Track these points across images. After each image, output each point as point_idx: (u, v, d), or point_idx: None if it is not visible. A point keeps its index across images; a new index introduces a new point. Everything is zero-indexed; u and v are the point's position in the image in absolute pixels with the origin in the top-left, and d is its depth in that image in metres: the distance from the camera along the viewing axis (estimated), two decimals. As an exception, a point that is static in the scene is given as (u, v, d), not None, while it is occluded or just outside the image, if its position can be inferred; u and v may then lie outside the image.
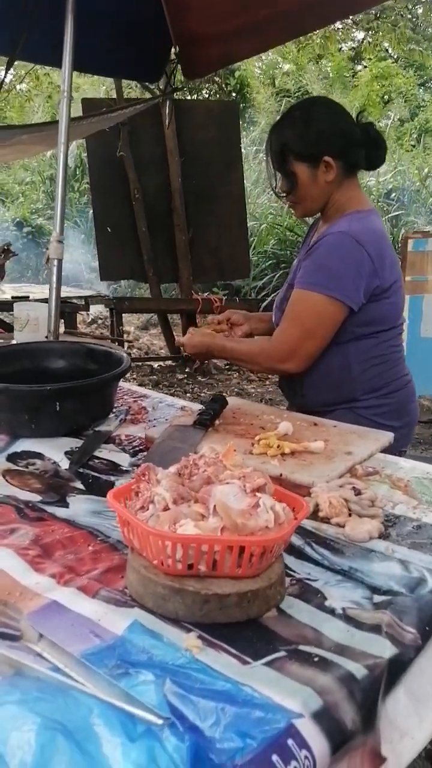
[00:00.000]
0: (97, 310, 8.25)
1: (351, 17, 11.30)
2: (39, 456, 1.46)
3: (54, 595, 0.92)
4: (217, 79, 11.74)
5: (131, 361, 1.73)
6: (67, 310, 5.58)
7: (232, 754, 0.65)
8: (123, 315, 6.60)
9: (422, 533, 1.14)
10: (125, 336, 7.36)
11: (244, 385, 6.22)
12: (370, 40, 13.52)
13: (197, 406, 1.76)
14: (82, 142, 7.67)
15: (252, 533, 0.87)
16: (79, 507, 1.22)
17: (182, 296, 6.75)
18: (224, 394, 1.73)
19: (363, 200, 1.85)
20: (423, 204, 10.20)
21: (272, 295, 7.25)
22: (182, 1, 3.24)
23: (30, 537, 1.09)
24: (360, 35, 13.77)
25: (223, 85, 12.26)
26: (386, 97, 13.38)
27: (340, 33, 13.33)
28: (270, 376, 5.75)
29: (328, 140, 1.77)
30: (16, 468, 1.40)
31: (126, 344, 6.95)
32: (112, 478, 1.35)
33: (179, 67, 3.69)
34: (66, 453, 1.46)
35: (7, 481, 1.34)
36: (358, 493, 1.21)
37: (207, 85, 12.03)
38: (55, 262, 2.48)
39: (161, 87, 4.82)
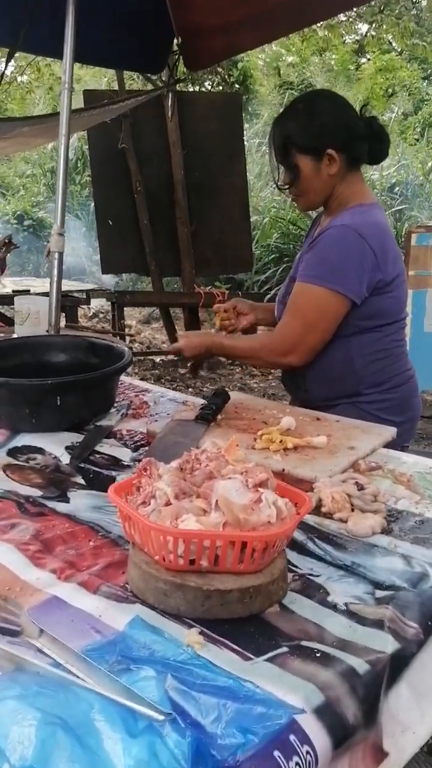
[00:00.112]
0: (98, 303, 8.24)
1: (355, 9, 11.23)
2: (40, 451, 1.46)
3: (55, 591, 0.92)
4: (219, 70, 11.67)
5: (133, 355, 1.73)
6: (68, 304, 5.57)
7: (233, 749, 0.65)
8: (125, 309, 6.58)
9: (425, 528, 1.14)
10: (127, 330, 7.36)
11: (247, 380, 6.21)
12: (374, 33, 13.45)
13: (199, 401, 1.75)
14: (84, 134, 7.64)
15: (254, 528, 0.87)
16: (80, 502, 1.22)
17: (184, 290, 6.73)
18: (226, 388, 1.72)
19: (366, 194, 1.84)
20: (426, 198, 10.16)
21: (275, 289, 7.22)
22: (185, -9, 3.23)
23: (30, 532, 1.09)
24: (364, 28, 13.70)
25: (226, 77, 12.20)
26: (390, 90, 13.32)
27: (344, 26, 13.25)
28: (273, 370, 5.75)
29: (332, 133, 1.76)
30: (17, 463, 1.40)
31: (128, 338, 6.95)
32: (114, 473, 1.35)
33: (181, 58, 3.67)
34: (67, 448, 1.46)
35: (7, 475, 1.33)
36: (360, 488, 1.21)
37: (210, 76, 11.97)
38: (56, 255, 2.47)
39: (163, 79, 4.80)
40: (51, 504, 1.21)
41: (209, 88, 12.19)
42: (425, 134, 12.12)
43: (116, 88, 6.35)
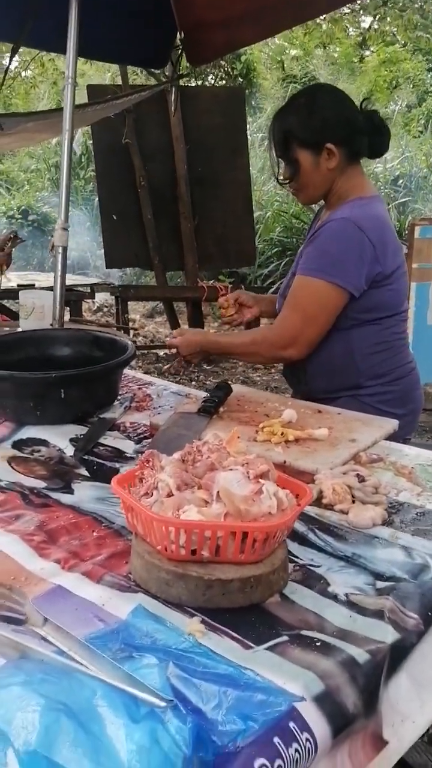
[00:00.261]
0: (102, 297, 8.24)
1: (358, 2, 11.17)
2: (44, 443, 1.47)
3: (59, 580, 0.93)
4: (222, 63, 11.62)
5: (136, 348, 1.74)
6: (73, 298, 5.57)
7: (234, 736, 0.66)
8: (128, 303, 6.59)
9: (426, 520, 1.15)
10: (131, 324, 7.36)
11: (249, 373, 6.21)
12: (377, 26, 13.37)
13: (202, 394, 1.76)
14: (88, 129, 7.63)
15: (255, 519, 0.88)
16: (84, 493, 1.23)
17: (188, 284, 6.73)
18: (229, 381, 1.73)
19: (366, 187, 1.85)
20: (430, 191, 10.12)
21: (278, 282, 7.22)
22: (188, -14, 3.22)
23: (35, 523, 1.10)
24: (368, 20, 13.62)
25: (229, 70, 12.15)
26: (394, 82, 13.25)
27: (348, 18, 13.17)
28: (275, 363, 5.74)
29: (332, 128, 1.76)
30: (22, 455, 1.41)
31: (131, 332, 6.95)
32: (117, 465, 1.36)
33: (184, 53, 3.66)
34: (71, 440, 1.47)
35: (12, 467, 1.34)
36: (361, 480, 1.22)
37: (213, 70, 11.91)
38: (60, 250, 2.48)
39: (166, 73, 4.80)
40: (55, 495, 1.22)
41: (212, 81, 12.15)
42: (429, 126, 12.05)
43: (120, 83, 6.34)
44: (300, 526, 1.11)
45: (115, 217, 6.44)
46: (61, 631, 0.81)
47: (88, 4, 2.54)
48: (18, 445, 1.47)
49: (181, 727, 0.64)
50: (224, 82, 12.05)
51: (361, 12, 12.54)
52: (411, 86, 13.02)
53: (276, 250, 9.00)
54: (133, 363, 1.72)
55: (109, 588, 0.92)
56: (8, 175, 12.66)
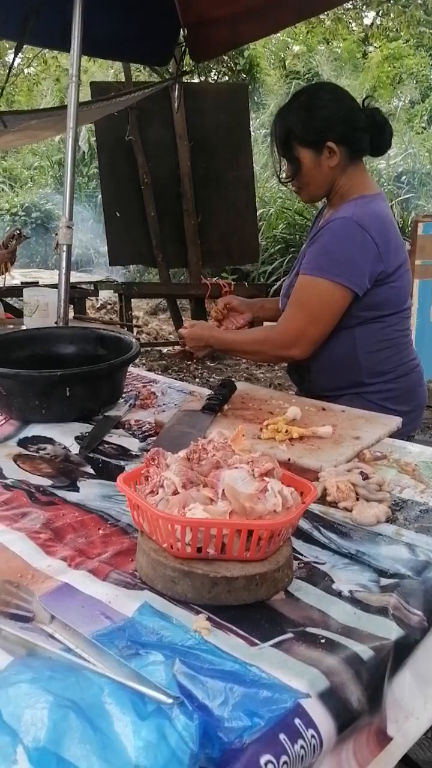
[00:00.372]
0: (106, 295, 8.25)
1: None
2: (49, 441, 1.48)
3: (65, 578, 0.94)
4: (225, 58, 11.59)
5: (140, 346, 1.74)
6: (76, 296, 5.58)
7: (240, 732, 0.67)
8: (132, 300, 6.60)
9: (429, 517, 1.15)
10: (134, 321, 7.36)
11: (253, 371, 6.22)
12: (379, 22, 13.33)
13: (206, 391, 1.77)
14: (91, 126, 7.63)
15: (260, 517, 0.88)
16: (90, 491, 1.24)
17: (191, 281, 6.74)
18: (233, 379, 1.73)
19: (368, 185, 1.84)
20: (434, 187, 10.10)
21: (282, 279, 7.22)
22: (191, -18, 3.22)
23: (41, 521, 1.11)
24: (371, 16, 13.57)
25: (232, 65, 12.13)
26: (397, 78, 13.21)
27: (351, 14, 13.14)
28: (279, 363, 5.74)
29: (333, 126, 1.76)
30: (27, 453, 1.42)
31: (135, 329, 6.96)
32: (122, 463, 1.37)
33: (187, 50, 3.66)
34: (76, 438, 1.48)
35: (18, 465, 1.35)
36: (365, 477, 1.22)
37: (215, 65, 11.91)
38: (65, 248, 2.48)
39: (170, 70, 4.79)
40: (61, 493, 1.23)
41: (215, 77, 12.13)
42: (433, 122, 12.02)
43: (123, 80, 6.34)
44: (304, 524, 1.11)
45: (118, 215, 6.45)
46: (68, 628, 0.82)
47: (91, 1, 2.54)
48: (23, 443, 1.47)
49: (188, 723, 0.65)
50: (227, 78, 12.03)
51: (364, 8, 12.50)
52: (414, 82, 12.97)
53: (279, 247, 8.99)
54: (136, 360, 1.72)
55: (115, 585, 0.93)
56: (12, 173, 12.67)
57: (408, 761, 1.57)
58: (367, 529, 1.11)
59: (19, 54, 3.59)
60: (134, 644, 0.78)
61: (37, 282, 5.74)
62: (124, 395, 1.73)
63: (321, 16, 11.35)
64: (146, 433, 1.53)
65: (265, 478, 0.93)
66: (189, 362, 6.20)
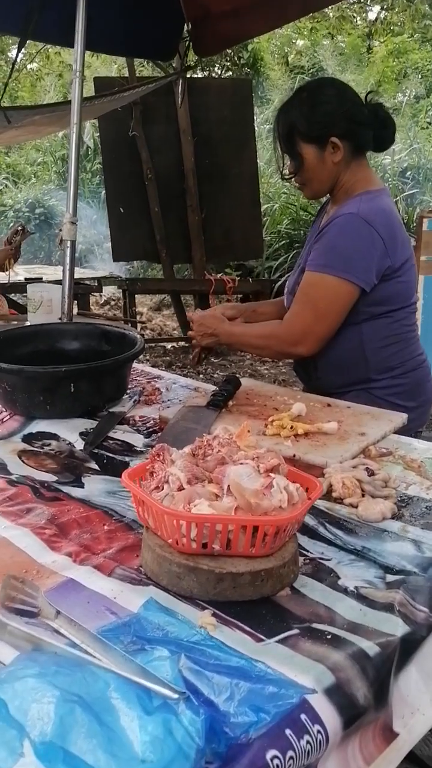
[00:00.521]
0: (109, 291, 8.25)
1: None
2: (54, 437, 1.48)
3: (70, 574, 0.94)
4: (229, 51, 11.54)
5: (144, 342, 1.74)
6: (80, 292, 5.58)
7: (246, 727, 0.67)
8: (136, 296, 6.59)
9: (435, 513, 1.15)
10: (138, 317, 7.36)
11: (258, 367, 6.21)
12: (384, 15, 13.28)
13: (211, 387, 1.77)
14: (95, 121, 7.62)
15: (265, 513, 0.88)
16: (94, 487, 1.24)
17: (195, 277, 6.73)
18: (237, 375, 1.73)
19: (372, 180, 1.84)
20: (439, 182, 10.06)
21: (286, 275, 7.21)
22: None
23: (46, 516, 1.11)
24: (376, 9, 13.53)
25: (236, 59, 12.08)
26: (402, 73, 13.15)
27: (355, 9, 13.11)
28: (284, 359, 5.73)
29: (336, 121, 1.75)
30: (32, 449, 1.42)
31: (139, 325, 6.95)
32: (127, 459, 1.37)
33: (191, 44, 3.66)
34: (81, 434, 1.48)
35: (23, 461, 1.35)
36: (371, 473, 1.22)
37: (219, 59, 11.87)
38: (68, 244, 2.48)
39: (174, 65, 4.78)
40: (66, 489, 1.23)
41: (219, 71, 12.10)
42: (438, 118, 11.96)
43: (127, 75, 6.32)
44: (310, 520, 1.11)
45: (122, 210, 6.44)
46: (73, 623, 0.82)
47: (95, -4, 2.53)
48: (28, 438, 1.48)
49: (194, 718, 0.65)
50: (231, 72, 12.00)
51: (369, 2, 12.45)
52: (419, 77, 12.92)
53: (283, 242, 8.97)
54: (141, 356, 1.72)
55: (120, 581, 0.93)
56: (15, 168, 12.66)
57: (413, 757, 1.57)
58: (373, 525, 1.11)
59: (22, 49, 3.58)
60: (140, 640, 0.78)
61: (41, 278, 5.74)
62: (128, 391, 1.73)
63: (325, 11, 11.31)
64: (151, 429, 1.53)
65: (270, 474, 0.93)
66: (200, 364, 6.19)
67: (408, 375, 1.84)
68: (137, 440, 1.47)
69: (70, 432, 1.49)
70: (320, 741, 0.71)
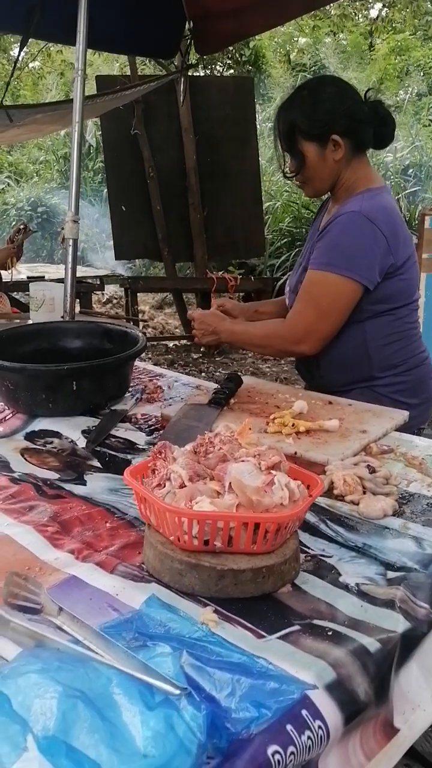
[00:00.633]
0: (111, 289, 8.26)
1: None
2: (56, 435, 1.48)
3: (73, 571, 0.95)
4: (230, 48, 11.52)
5: (146, 340, 1.74)
6: (82, 290, 5.58)
7: (247, 723, 0.67)
8: (138, 294, 6.60)
9: (436, 511, 1.15)
10: (140, 315, 7.37)
11: (259, 365, 6.21)
12: (386, 13, 13.24)
13: (212, 385, 1.77)
14: (97, 120, 7.61)
15: (267, 510, 0.89)
16: (97, 485, 1.24)
17: (197, 275, 6.73)
18: (239, 373, 1.73)
19: (373, 178, 1.84)
20: (440, 180, 10.04)
21: (288, 273, 7.21)
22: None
23: (48, 514, 1.12)
24: (378, 7, 13.50)
25: (237, 57, 12.06)
26: (404, 70, 13.12)
27: (357, 5, 13.08)
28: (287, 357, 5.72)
29: (337, 119, 1.75)
30: (34, 446, 1.43)
31: (141, 323, 6.96)
32: (129, 457, 1.37)
33: (192, 42, 3.65)
34: (83, 432, 1.48)
35: (25, 459, 1.36)
36: (372, 471, 1.22)
37: (221, 56, 11.85)
38: (71, 242, 2.48)
39: (175, 63, 4.78)
40: (68, 487, 1.23)
41: (221, 69, 12.08)
42: (440, 115, 11.94)
43: (128, 73, 6.32)
44: (311, 517, 1.11)
45: (124, 209, 6.44)
46: (75, 620, 0.82)
47: (96, -5, 2.53)
48: (31, 436, 1.48)
49: (195, 714, 0.65)
50: (233, 70, 11.99)
51: (371, 1, 12.43)
52: (421, 74, 12.89)
53: (285, 240, 8.96)
54: (143, 354, 1.72)
55: (122, 578, 0.93)
56: (17, 167, 12.67)
57: (414, 753, 1.57)
58: (374, 522, 1.11)
59: (24, 48, 3.58)
60: (142, 636, 0.79)
61: (43, 276, 5.75)
62: (130, 389, 1.74)
63: (327, 8, 11.29)
64: (153, 427, 1.54)
65: (271, 471, 0.93)
66: (197, 353, 6.18)
67: (411, 372, 1.84)
68: (139, 438, 1.48)
69: (73, 430, 1.49)
70: (321, 736, 0.71)
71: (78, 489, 1.22)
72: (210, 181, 6.46)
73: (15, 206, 11.26)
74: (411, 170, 9.99)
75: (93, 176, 11.69)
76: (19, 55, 4.32)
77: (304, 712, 0.71)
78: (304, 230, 8.70)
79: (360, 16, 13.86)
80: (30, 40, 3.61)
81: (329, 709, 0.73)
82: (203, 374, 5.77)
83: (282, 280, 6.93)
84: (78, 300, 4.23)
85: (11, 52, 12.73)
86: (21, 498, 1.18)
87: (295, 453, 1.29)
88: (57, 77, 13.52)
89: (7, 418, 1.57)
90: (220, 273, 6.83)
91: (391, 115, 1.84)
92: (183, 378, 1.95)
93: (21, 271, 5.85)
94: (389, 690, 0.82)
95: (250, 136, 6.68)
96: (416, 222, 5.49)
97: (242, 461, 0.95)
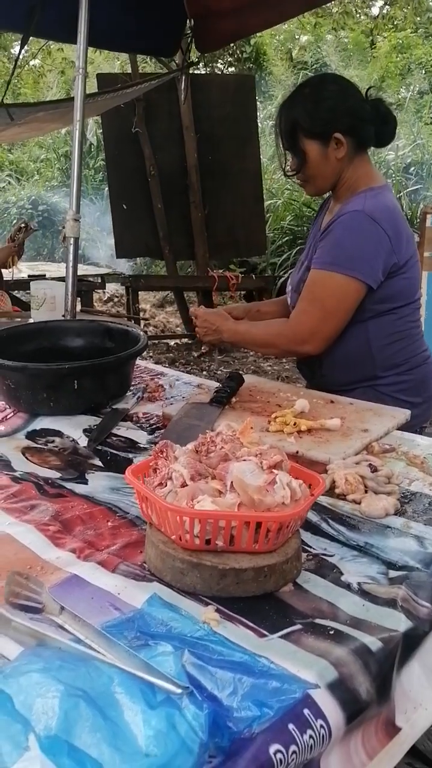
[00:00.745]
0: (112, 287, 8.25)
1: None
2: (58, 434, 1.48)
3: (74, 570, 0.95)
4: (232, 45, 11.49)
5: (148, 339, 1.74)
6: (83, 289, 5.58)
7: (249, 722, 0.67)
8: (139, 293, 6.59)
9: (438, 510, 1.15)
10: (141, 314, 7.36)
11: (261, 363, 6.21)
12: (387, 10, 13.22)
13: (214, 384, 1.77)
14: (98, 118, 7.61)
15: (269, 509, 0.89)
16: (98, 484, 1.24)
17: (198, 273, 6.72)
18: (240, 371, 1.73)
19: (375, 176, 1.83)
20: (442, 178, 10.02)
21: (289, 271, 7.20)
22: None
23: (50, 513, 1.12)
24: (379, 4, 13.47)
25: (239, 54, 12.04)
26: (406, 68, 13.09)
27: (358, 2, 13.05)
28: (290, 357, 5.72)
29: (339, 117, 1.75)
30: (36, 445, 1.43)
31: (142, 322, 6.95)
32: (130, 456, 1.37)
33: (193, 41, 3.65)
34: (84, 431, 1.48)
35: (26, 458, 1.36)
36: (374, 470, 1.22)
37: (222, 54, 11.82)
38: (72, 240, 2.48)
39: (176, 61, 4.77)
40: (69, 486, 1.23)
41: (222, 67, 12.07)
42: (441, 113, 11.91)
43: (129, 71, 6.32)
44: (313, 516, 1.11)
45: (125, 207, 6.44)
46: (77, 619, 0.82)
47: (97, -7, 2.53)
48: (32, 435, 1.48)
49: (197, 713, 0.65)
50: (234, 67, 11.97)
51: (372, -1, 12.41)
52: (423, 72, 12.86)
53: (287, 238, 8.96)
54: (144, 353, 1.72)
55: (124, 577, 0.93)
56: (18, 165, 12.66)
57: (416, 752, 1.57)
58: (376, 521, 1.11)
59: (25, 46, 3.58)
60: (143, 635, 0.79)
61: (45, 275, 5.74)
62: (131, 388, 1.74)
63: (329, 6, 11.27)
64: (154, 426, 1.54)
65: (273, 470, 0.93)
66: (198, 354, 6.17)
67: (413, 371, 1.84)
68: (140, 437, 1.48)
69: (74, 429, 1.49)
70: (323, 735, 0.71)
71: (79, 488, 1.22)
72: (211, 179, 6.45)
73: (16, 205, 11.25)
74: (412, 168, 9.97)
75: (94, 174, 11.68)
76: (19, 53, 4.32)
77: (306, 711, 0.71)
78: (305, 228, 8.70)
79: (361, 13, 13.83)
80: (30, 38, 3.61)
81: (331, 708, 0.73)
82: (204, 373, 5.76)
83: (283, 279, 6.92)
84: (79, 298, 4.24)
85: (12, 51, 12.72)
86: (22, 497, 1.18)
87: (297, 452, 1.29)
88: (58, 75, 13.51)
89: (8, 417, 1.57)
90: (221, 271, 6.83)
91: (393, 113, 1.83)
92: (184, 377, 1.95)
93: (22, 269, 5.84)
94: (391, 689, 0.82)
95: (252, 134, 6.67)
96: (418, 220, 5.48)
97: (244, 460, 0.95)
